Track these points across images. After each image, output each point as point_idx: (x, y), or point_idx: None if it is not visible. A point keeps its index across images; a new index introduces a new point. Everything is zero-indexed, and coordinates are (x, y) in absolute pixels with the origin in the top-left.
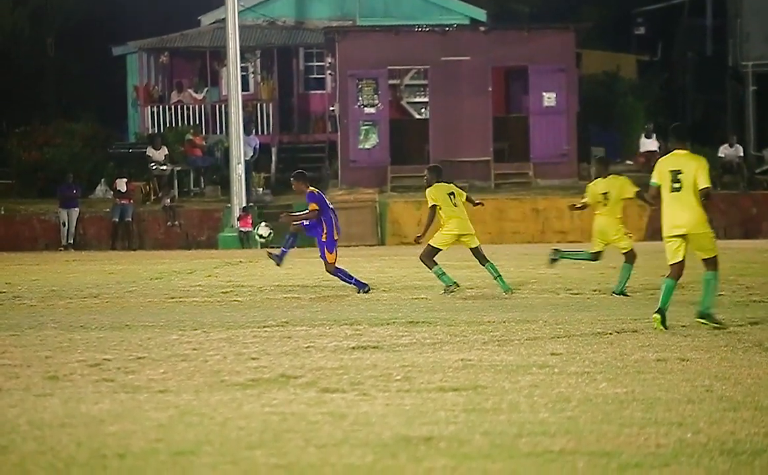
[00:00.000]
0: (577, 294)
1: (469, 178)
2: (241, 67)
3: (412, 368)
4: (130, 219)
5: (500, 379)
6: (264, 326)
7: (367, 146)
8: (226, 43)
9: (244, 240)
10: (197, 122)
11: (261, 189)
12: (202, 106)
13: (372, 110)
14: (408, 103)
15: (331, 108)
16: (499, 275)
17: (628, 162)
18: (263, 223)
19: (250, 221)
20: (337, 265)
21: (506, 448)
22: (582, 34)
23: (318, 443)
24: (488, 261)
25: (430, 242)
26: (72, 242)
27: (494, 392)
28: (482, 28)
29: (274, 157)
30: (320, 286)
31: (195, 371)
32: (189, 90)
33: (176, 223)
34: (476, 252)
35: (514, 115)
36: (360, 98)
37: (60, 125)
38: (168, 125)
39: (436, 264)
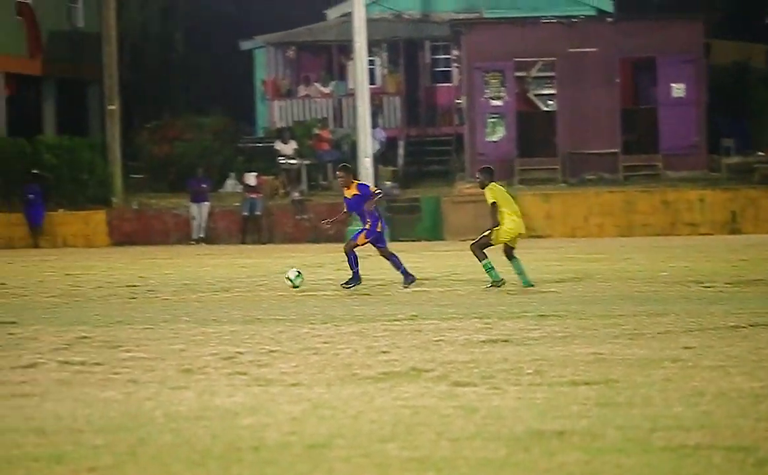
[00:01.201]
0: (709, 287)
1: (597, 171)
2: (368, 61)
3: (543, 361)
4: (260, 213)
5: (633, 373)
6: (394, 320)
7: (494, 139)
8: (353, 36)
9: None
10: (324, 116)
11: (388, 183)
12: (330, 99)
13: (499, 102)
14: (535, 95)
15: (458, 101)
16: (522, 271)
17: (760, 153)
18: (294, 269)
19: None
20: (357, 251)
21: (640, 442)
22: (711, 23)
23: (450, 436)
24: (516, 258)
25: (486, 236)
26: (203, 236)
27: (627, 386)
28: (609, 19)
29: (401, 151)
30: (449, 279)
31: (326, 365)
32: (316, 84)
33: (305, 216)
34: (512, 249)
35: (642, 106)
36: (487, 91)
37: (190, 120)
38: (296, 119)
39: (486, 257)
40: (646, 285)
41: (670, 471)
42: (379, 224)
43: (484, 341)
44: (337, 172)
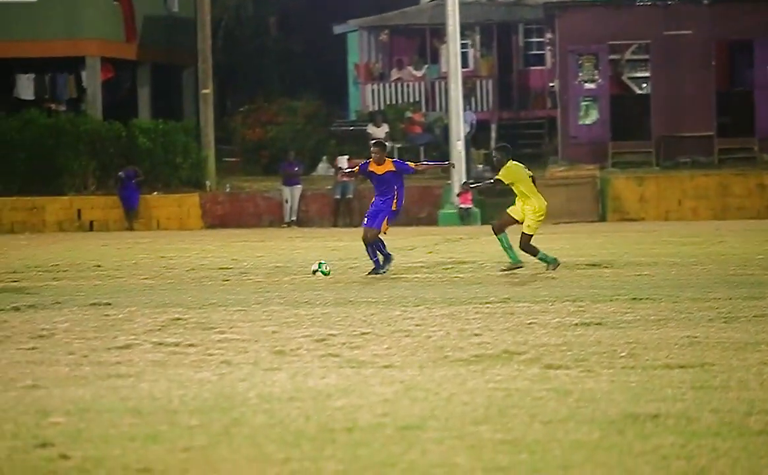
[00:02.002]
0: None
1: (692, 154)
2: (461, 44)
3: (636, 344)
4: (351, 196)
5: (728, 356)
6: (486, 302)
7: (587, 122)
8: (446, 19)
9: (464, 217)
10: (417, 99)
11: (480, 166)
12: (422, 83)
13: (592, 86)
14: (629, 78)
15: (551, 84)
16: (509, 247)
17: None
18: (322, 263)
19: (470, 198)
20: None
21: (736, 426)
22: None
23: (543, 419)
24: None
25: (525, 231)
26: (295, 218)
27: (722, 369)
28: (705, 2)
29: (493, 134)
30: (542, 264)
31: (418, 347)
32: (409, 67)
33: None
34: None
35: (738, 89)
36: (580, 74)
37: (283, 104)
38: (388, 103)
39: (537, 248)
40: (740, 268)
41: (767, 455)
42: (400, 203)
43: (577, 324)
44: (373, 148)
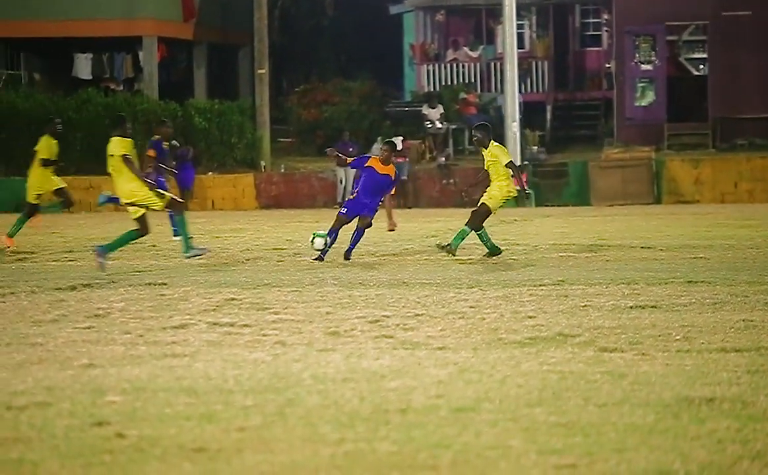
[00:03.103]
0: None
1: (749, 136)
2: (517, 25)
3: (691, 327)
4: (406, 177)
5: None
6: (540, 285)
7: (643, 104)
8: (502, 0)
9: (519, 199)
10: (472, 80)
11: (536, 147)
12: (478, 64)
13: (649, 67)
14: (686, 59)
15: (607, 65)
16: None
17: None
18: (320, 233)
19: (525, 179)
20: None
21: None
22: None
23: (598, 402)
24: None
25: (486, 202)
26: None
27: None
28: None
29: (548, 115)
30: (596, 245)
31: (472, 329)
32: (465, 48)
33: (451, 181)
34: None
35: None
36: (637, 55)
37: (338, 84)
38: (443, 84)
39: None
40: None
41: None
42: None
43: (631, 307)
44: (384, 146)
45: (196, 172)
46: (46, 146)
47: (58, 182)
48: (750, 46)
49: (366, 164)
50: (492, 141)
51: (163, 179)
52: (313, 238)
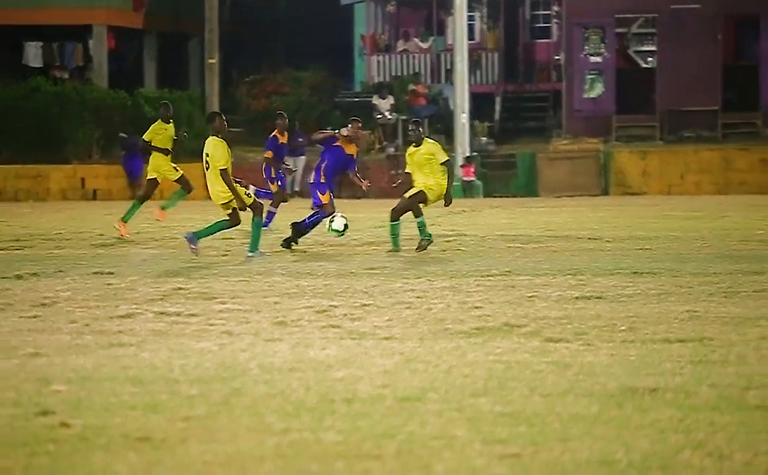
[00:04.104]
0: None
1: (696, 128)
2: (468, 16)
3: (636, 318)
4: (355, 168)
5: (727, 331)
6: (487, 275)
7: (592, 95)
8: None
9: (467, 189)
10: (418, 71)
11: (484, 138)
12: (428, 55)
13: (598, 59)
14: (635, 52)
15: (557, 57)
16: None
17: None
18: (339, 215)
19: (473, 171)
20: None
21: (734, 400)
22: None
23: (543, 392)
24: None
25: (425, 191)
26: (298, 189)
27: (721, 343)
28: None
29: (497, 107)
30: (543, 236)
31: (419, 319)
32: (415, 39)
33: (400, 171)
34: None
35: (743, 63)
36: (586, 47)
37: (288, 74)
38: (393, 74)
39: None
40: (742, 243)
41: (765, 429)
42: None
43: (577, 298)
44: (354, 123)
45: (144, 162)
46: (155, 131)
47: (176, 173)
48: (698, 40)
49: (335, 144)
50: (426, 138)
51: (283, 176)
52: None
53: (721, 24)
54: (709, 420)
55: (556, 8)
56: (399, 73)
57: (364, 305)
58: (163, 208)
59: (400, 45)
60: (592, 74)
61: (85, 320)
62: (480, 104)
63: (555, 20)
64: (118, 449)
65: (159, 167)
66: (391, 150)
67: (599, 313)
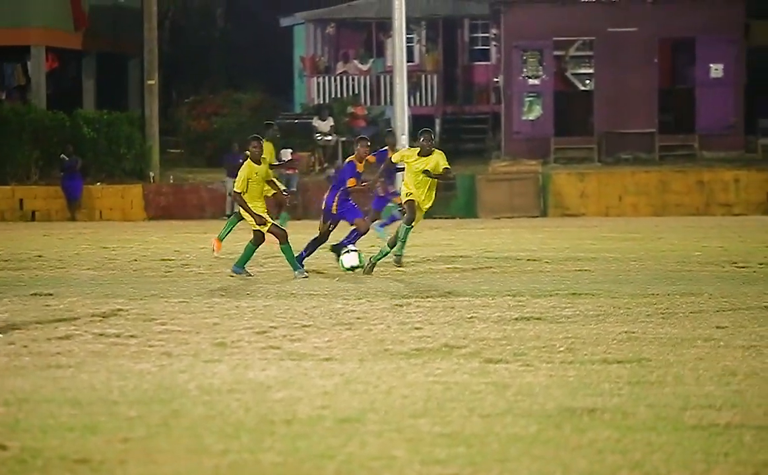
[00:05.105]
0: (742, 267)
1: (633, 151)
2: (407, 38)
3: (575, 339)
4: (295, 189)
5: (665, 352)
6: (427, 296)
7: (530, 118)
8: (392, 13)
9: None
10: (357, 92)
11: None
12: (368, 76)
13: (536, 82)
14: (573, 74)
15: (496, 79)
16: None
17: None
18: (352, 250)
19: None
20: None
21: (671, 421)
22: (751, 4)
23: (482, 412)
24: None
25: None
26: (238, 211)
27: (659, 364)
28: None
29: (437, 128)
30: (483, 257)
31: (359, 340)
32: (355, 61)
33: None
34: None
35: (679, 86)
36: (524, 69)
37: (228, 96)
38: (333, 96)
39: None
40: (679, 265)
41: (701, 450)
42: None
43: (516, 319)
44: (361, 143)
45: (84, 183)
46: (266, 151)
47: (277, 186)
48: (635, 62)
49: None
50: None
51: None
52: (342, 260)
53: (658, 47)
54: (647, 440)
55: (494, 31)
56: (339, 95)
57: (304, 326)
58: (219, 238)
59: (340, 67)
60: (530, 96)
61: (23, 341)
62: (420, 126)
63: (494, 43)
64: (56, 471)
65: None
66: (332, 171)
67: (538, 334)
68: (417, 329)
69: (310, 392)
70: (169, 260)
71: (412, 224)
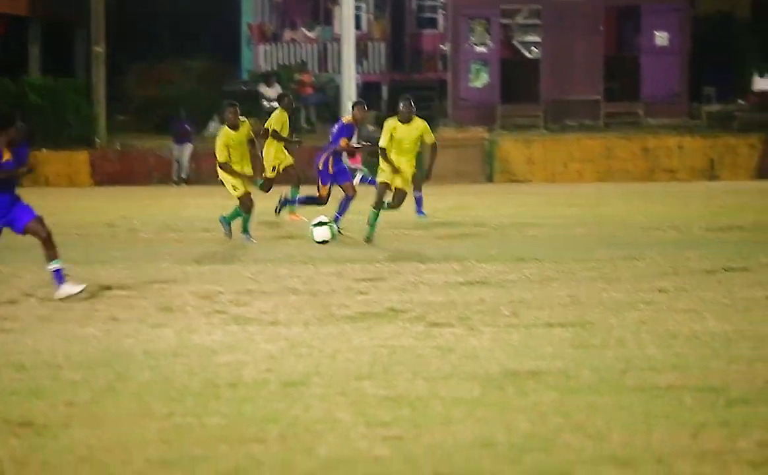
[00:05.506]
0: (685, 232)
1: (579, 118)
2: (354, 6)
3: (519, 303)
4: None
5: (607, 315)
6: (374, 261)
7: (477, 85)
8: None
9: (355, 176)
10: (304, 60)
11: (371, 127)
12: (315, 44)
13: (483, 49)
14: (519, 42)
15: (443, 47)
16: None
17: (740, 102)
18: (324, 222)
19: (360, 159)
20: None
21: (613, 383)
22: None
23: (426, 375)
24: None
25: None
26: (184, 177)
27: (601, 328)
28: None
29: (385, 95)
30: (429, 223)
31: (305, 304)
32: (302, 28)
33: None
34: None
35: (625, 54)
36: (471, 37)
37: (176, 63)
38: (281, 63)
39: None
40: (623, 230)
41: (642, 411)
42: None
43: (461, 283)
44: (358, 106)
45: (30, 149)
46: (279, 120)
47: (290, 158)
48: (581, 30)
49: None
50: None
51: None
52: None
53: (604, 15)
54: (589, 402)
55: None
56: (286, 62)
57: (250, 290)
58: (291, 211)
59: (287, 34)
60: (477, 64)
61: None
62: (367, 93)
63: (441, 11)
64: None
65: (278, 154)
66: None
67: (483, 298)
68: (362, 293)
69: (255, 356)
70: (116, 225)
71: (380, 209)
